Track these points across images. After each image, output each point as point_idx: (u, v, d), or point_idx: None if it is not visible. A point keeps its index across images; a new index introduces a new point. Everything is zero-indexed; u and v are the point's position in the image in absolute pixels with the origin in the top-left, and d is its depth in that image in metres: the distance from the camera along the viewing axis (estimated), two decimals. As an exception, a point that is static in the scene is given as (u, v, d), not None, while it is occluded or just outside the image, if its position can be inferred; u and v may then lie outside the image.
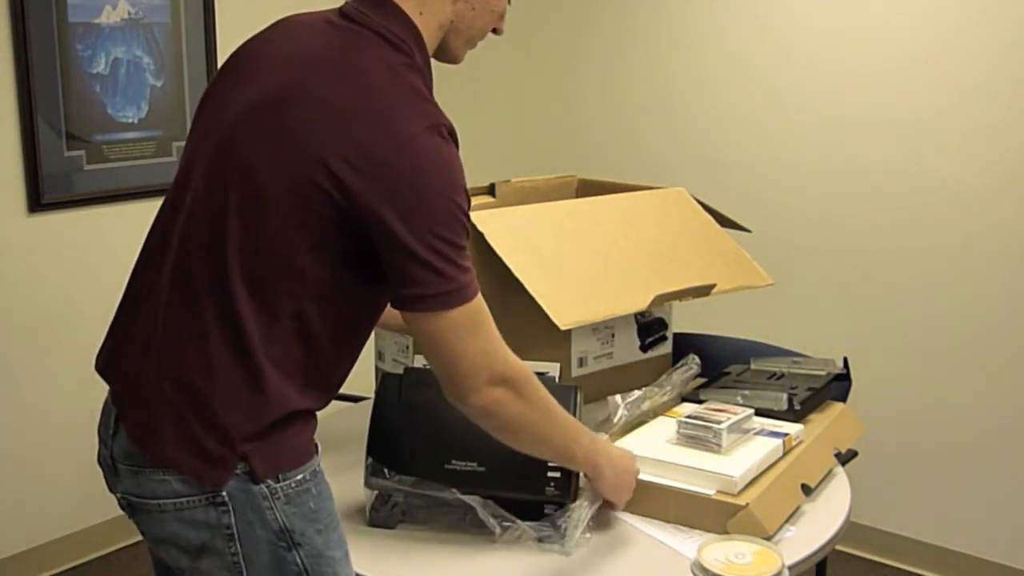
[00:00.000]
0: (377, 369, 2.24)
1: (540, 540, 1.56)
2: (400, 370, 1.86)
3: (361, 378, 2.45)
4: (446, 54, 1.50)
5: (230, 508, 1.34)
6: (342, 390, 2.52)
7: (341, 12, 1.41)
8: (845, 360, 2.10)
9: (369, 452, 1.62)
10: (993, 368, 2.85)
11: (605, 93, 3.49)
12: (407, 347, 2.11)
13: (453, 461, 1.57)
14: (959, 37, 2.79)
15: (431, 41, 1.44)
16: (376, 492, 1.61)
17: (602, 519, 1.62)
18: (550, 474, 1.56)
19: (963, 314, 2.88)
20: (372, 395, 2.26)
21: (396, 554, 1.56)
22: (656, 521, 1.64)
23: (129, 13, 3.00)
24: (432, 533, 1.59)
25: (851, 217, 3.03)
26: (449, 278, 1.33)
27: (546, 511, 1.59)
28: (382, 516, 1.64)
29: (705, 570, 1.30)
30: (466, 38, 1.49)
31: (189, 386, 1.32)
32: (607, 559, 1.55)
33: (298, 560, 1.37)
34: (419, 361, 1.99)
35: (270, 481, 1.35)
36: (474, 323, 1.37)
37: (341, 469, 1.83)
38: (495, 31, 1.52)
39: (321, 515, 1.40)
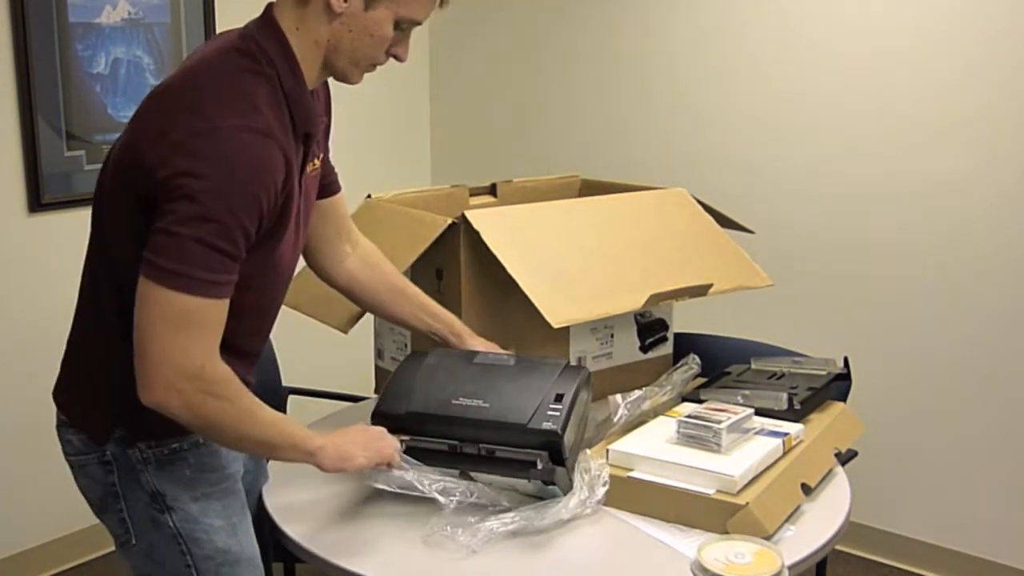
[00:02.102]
0: (377, 368, 2.23)
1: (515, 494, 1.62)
2: None
3: (361, 378, 2.45)
4: (333, 72, 1.53)
5: (114, 468, 1.51)
6: (343, 390, 2.51)
7: (245, 25, 1.50)
8: (845, 360, 2.10)
9: (380, 399, 1.71)
10: (993, 368, 2.85)
11: (608, 93, 3.49)
12: (406, 344, 2.11)
13: (460, 398, 1.65)
14: (962, 41, 2.79)
15: (309, 58, 1.47)
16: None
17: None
18: (550, 412, 1.61)
19: (963, 313, 2.88)
20: (372, 395, 2.27)
21: (389, 554, 1.56)
22: (656, 521, 1.64)
23: (129, 13, 3.00)
24: (428, 535, 1.59)
25: (851, 217, 3.03)
26: (188, 263, 1.31)
27: (538, 465, 1.59)
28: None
29: (705, 570, 1.30)
30: (350, 59, 1.49)
31: (81, 355, 1.54)
32: (607, 559, 1.55)
33: (171, 523, 1.50)
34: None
35: (142, 446, 1.50)
36: (186, 319, 1.32)
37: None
38: (396, 58, 1.52)
39: (199, 484, 1.52)
